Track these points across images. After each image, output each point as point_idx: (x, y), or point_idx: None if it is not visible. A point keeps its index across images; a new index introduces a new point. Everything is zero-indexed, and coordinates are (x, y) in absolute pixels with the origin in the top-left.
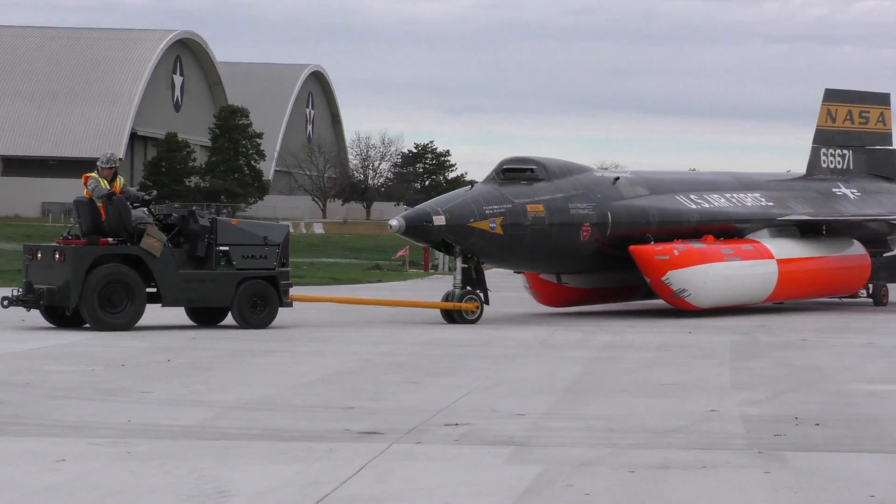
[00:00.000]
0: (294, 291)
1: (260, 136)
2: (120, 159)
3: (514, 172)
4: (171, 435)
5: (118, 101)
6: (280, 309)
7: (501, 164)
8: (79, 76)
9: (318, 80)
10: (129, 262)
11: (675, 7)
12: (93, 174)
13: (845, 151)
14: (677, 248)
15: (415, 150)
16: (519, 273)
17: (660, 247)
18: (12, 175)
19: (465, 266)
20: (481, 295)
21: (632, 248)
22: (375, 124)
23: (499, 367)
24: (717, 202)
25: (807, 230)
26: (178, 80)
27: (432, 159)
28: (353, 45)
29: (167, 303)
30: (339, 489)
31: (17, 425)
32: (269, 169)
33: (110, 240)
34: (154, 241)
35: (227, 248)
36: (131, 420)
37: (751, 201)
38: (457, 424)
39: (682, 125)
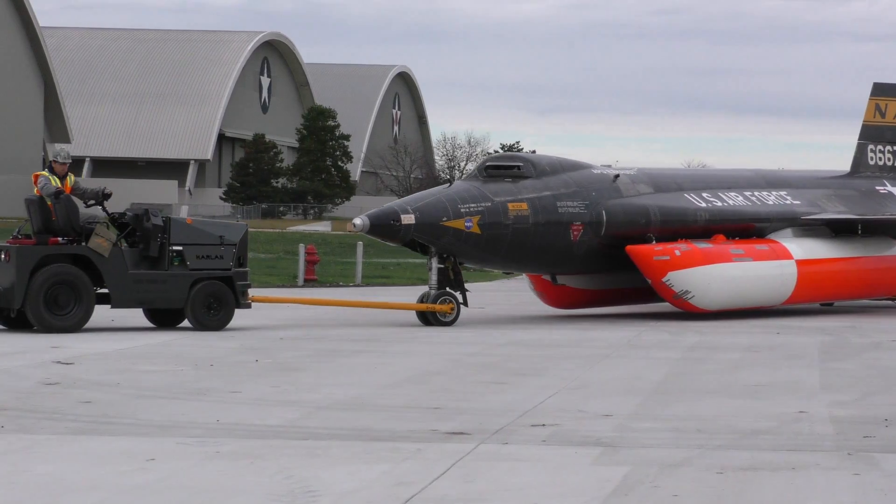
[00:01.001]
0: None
1: (347, 137)
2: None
3: (498, 170)
4: (259, 434)
5: (206, 103)
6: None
7: (485, 161)
8: (168, 78)
9: (405, 81)
10: (78, 262)
11: (764, 6)
12: (43, 172)
13: None
14: (679, 248)
15: (501, 151)
16: (508, 273)
17: (660, 247)
18: (102, 176)
19: (441, 266)
20: (458, 296)
21: (629, 248)
22: (461, 124)
23: (586, 368)
24: (734, 200)
25: (840, 230)
26: (265, 81)
27: None
28: (439, 45)
29: (116, 304)
30: (427, 489)
31: (107, 424)
32: (355, 170)
33: (60, 239)
34: (102, 241)
35: (180, 248)
36: (220, 420)
37: (773, 200)
38: (544, 425)
39: (770, 125)
